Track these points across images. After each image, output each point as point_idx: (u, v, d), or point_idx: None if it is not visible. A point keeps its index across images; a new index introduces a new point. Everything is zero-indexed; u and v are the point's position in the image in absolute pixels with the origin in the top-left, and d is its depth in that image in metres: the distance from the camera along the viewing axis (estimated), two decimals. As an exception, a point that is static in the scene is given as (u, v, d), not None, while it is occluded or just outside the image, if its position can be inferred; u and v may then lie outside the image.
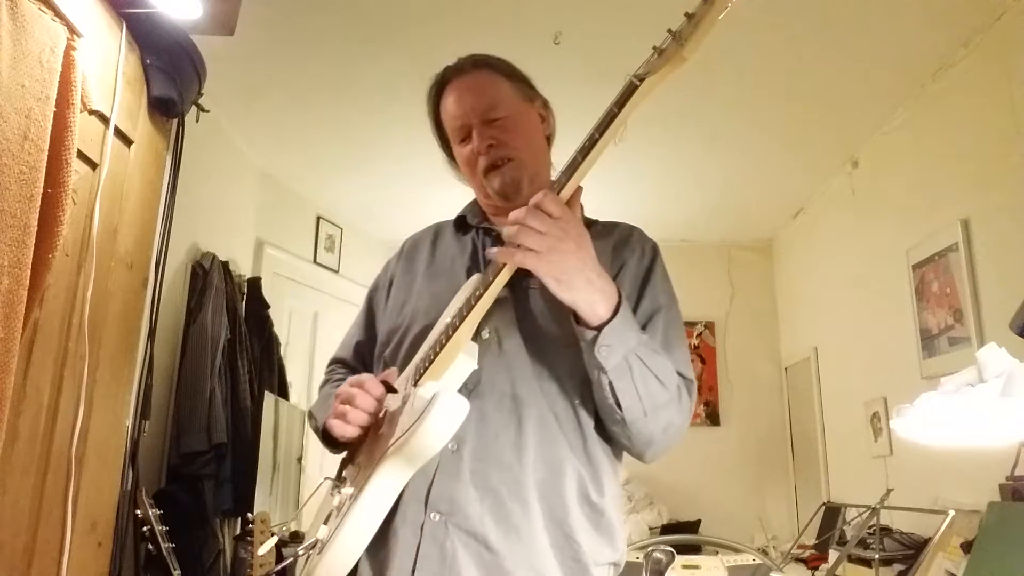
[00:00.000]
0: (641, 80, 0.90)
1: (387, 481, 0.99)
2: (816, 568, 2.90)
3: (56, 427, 1.35)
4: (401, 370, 1.12)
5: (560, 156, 1.22)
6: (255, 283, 3.19)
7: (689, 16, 0.86)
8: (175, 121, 1.85)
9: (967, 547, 1.84)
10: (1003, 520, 1.49)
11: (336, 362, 1.37)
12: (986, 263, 2.28)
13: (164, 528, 1.88)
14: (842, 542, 2.61)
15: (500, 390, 1.07)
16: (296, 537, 2.73)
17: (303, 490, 3.30)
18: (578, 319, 0.98)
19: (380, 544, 1.03)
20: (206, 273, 2.74)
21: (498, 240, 1.16)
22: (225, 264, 2.89)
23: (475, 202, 1.31)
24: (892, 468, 2.82)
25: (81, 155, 1.37)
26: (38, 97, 1.20)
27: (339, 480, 1.12)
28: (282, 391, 3.18)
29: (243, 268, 3.27)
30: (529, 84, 1.26)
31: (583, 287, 0.95)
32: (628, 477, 3.89)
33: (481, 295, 1.00)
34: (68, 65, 1.28)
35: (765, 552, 3.07)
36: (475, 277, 1.08)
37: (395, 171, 3.53)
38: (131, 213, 1.58)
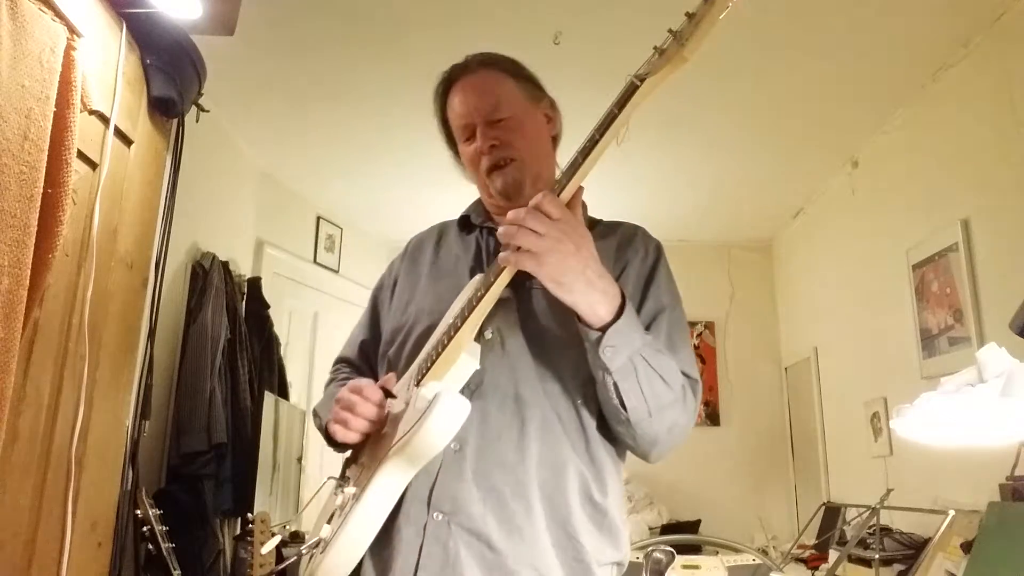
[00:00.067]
0: (642, 80, 0.90)
1: (390, 481, 0.99)
2: (816, 568, 2.90)
3: (56, 427, 1.35)
4: (405, 369, 1.13)
5: (561, 157, 1.22)
6: (255, 283, 3.19)
7: (690, 16, 0.86)
8: (175, 121, 1.85)
9: (967, 547, 1.84)
10: (1003, 520, 1.49)
11: (341, 361, 1.38)
12: (986, 263, 2.28)
13: (164, 528, 1.88)
14: (842, 542, 2.61)
15: (503, 390, 1.07)
16: (296, 537, 2.73)
17: (303, 490, 3.30)
18: (581, 320, 0.98)
19: (384, 544, 1.03)
20: (206, 273, 2.74)
21: None
22: (225, 264, 2.89)
23: (479, 202, 1.31)
24: (892, 468, 2.82)
25: (81, 155, 1.37)
26: (38, 97, 1.20)
27: (342, 479, 1.12)
28: (282, 391, 3.18)
29: (243, 268, 3.27)
30: (536, 84, 1.26)
31: (583, 289, 0.94)
32: (628, 477, 3.90)
33: (483, 296, 1.00)
34: (68, 65, 1.28)
35: (765, 552, 3.07)
36: (477, 277, 1.08)
37: (395, 171, 3.54)
38: (131, 213, 1.58)
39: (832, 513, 2.98)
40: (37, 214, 1.18)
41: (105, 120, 1.46)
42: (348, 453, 1.17)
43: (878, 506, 2.19)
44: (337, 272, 4.10)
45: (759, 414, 4.28)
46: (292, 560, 1.06)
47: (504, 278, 0.99)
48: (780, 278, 4.41)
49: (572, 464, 1.06)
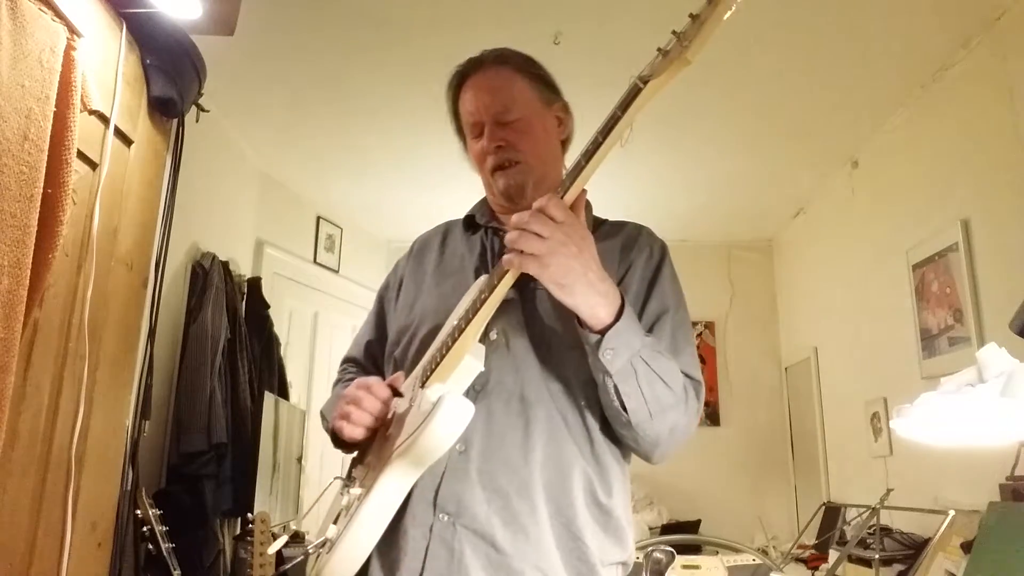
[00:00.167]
0: (645, 82, 0.89)
1: (394, 482, 0.99)
2: (816, 568, 2.90)
3: (56, 427, 1.35)
4: (411, 370, 1.13)
5: (569, 159, 1.22)
6: (255, 283, 3.19)
7: (694, 17, 0.86)
8: (175, 121, 1.85)
9: (967, 547, 1.84)
10: (1003, 520, 1.49)
11: (348, 361, 1.38)
12: (986, 263, 2.28)
13: (164, 528, 1.88)
14: (842, 542, 2.61)
15: (508, 391, 1.07)
16: (296, 538, 2.73)
17: (303, 490, 3.30)
18: (581, 323, 0.98)
19: (391, 544, 1.04)
20: (206, 273, 2.74)
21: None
22: (225, 264, 2.89)
23: (484, 201, 1.31)
24: (892, 468, 2.82)
25: (81, 155, 1.37)
26: (38, 97, 1.20)
27: (348, 480, 1.12)
28: (282, 391, 3.18)
29: (243, 268, 3.27)
30: (551, 85, 1.26)
31: (584, 291, 0.95)
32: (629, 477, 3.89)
33: (486, 298, 1.00)
34: (68, 65, 1.28)
35: (765, 552, 3.07)
36: (481, 279, 1.08)
37: (395, 171, 3.54)
38: (131, 213, 1.58)
39: (832, 513, 2.98)
40: (37, 214, 1.18)
41: (105, 120, 1.46)
42: (354, 454, 1.17)
43: (878, 506, 2.19)
44: (337, 272, 4.10)
45: (759, 414, 4.28)
46: (299, 560, 1.07)
47: (508, 281, 0.99)
48: (780, 278, 4.41)
49: (577, 465, 1.06)
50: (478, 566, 1.00)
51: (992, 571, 1.40)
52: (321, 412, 1.30)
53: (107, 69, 1.47)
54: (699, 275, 4.29)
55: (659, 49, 0.89)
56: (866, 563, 2.25)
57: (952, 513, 1.91)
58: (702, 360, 4.26)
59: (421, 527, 1.03)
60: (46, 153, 1.21)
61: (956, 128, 2.45)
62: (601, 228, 1.24)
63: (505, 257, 0.97)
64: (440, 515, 1.02)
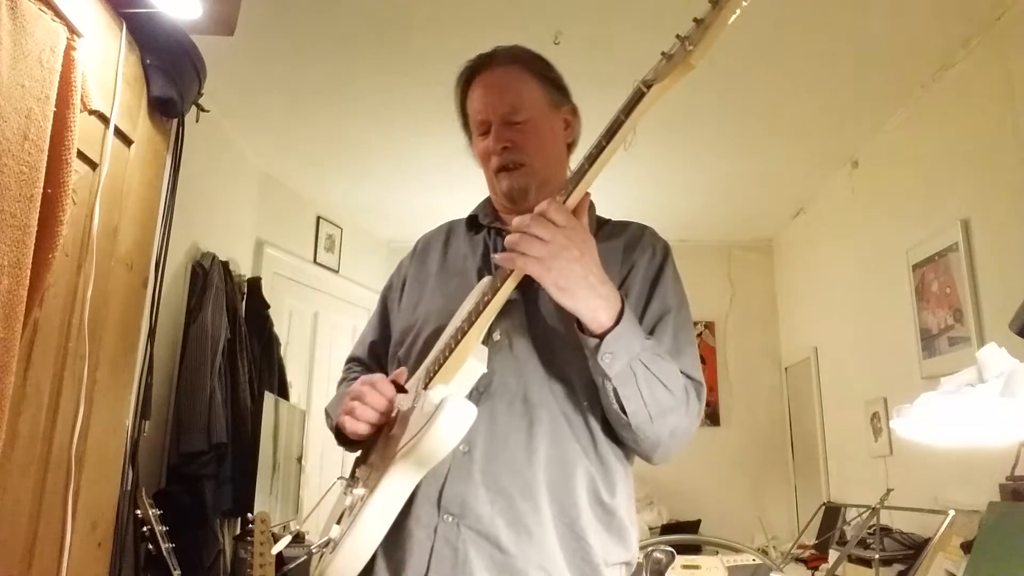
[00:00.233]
0: (648, 87, 0.89)
1: (397, 483, 1.00)
2: (816, 568, 2.90)
3: (56, 427, 1.35)
4: (414, 370, 1.13)
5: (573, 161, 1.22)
6: (255, 283, 3.19)
7: (698, 21, 0.85)
8: (175, 121, 1.85)
9: (967, 547, 1.84)
10: (1003, 520, 1.49)
11: (352, 360, 1.38)
12: (986, 263, 2.28)
13: (164, 528, 1.88)
14: (842, 542, 2.61)
15: (511, 392, 1.07)
16: (298, 538, 2.73)
17: (303, 490, 3.30)
18: (581, 326, 0.98)
19: (396, 545, 1.04)
20: (206, 273, 2.74)
21: None
22: (225, 264, 2.89)
23: (487, 201, 1.31)
24: (892, 468, 2.82)
25: (81, 155, 1.37)
26: (38, 97, 1.20)
27: (351, 480, 1.13)
28: (282, 391, 3.18)
29: (243, 268, 3.27)
30: (561, 88, 1.25)
31: (585, 295, 0.95)
32: (628, 477, 3.89)
33: (490, 300, 1.00)
34: (68, 65, 1.28)
35: (765, 552, 3.07)
36: (485, 280, 1.08)
37: (395, 171, 3.54)
38: (131, 213, 1.58)
39: (832, 513, 2.98)
40: (37, 214, 1.18)
41: (105, 120, 1.46)
42: (358, 453, 1.17)
43: (878, 506, 2.19)
44: (337, 272, 4.11)
45: (759, 414, 4.28)
46: (302, 559, 1.07)
47: (511, 283, 0.99)
48: (780, 278, 4.41)
49: (580, 465, 1.06)
50: (482, 567, 1.00)
51: (992, 571, 1.40)
52: (326, 410, 1.30)
53: (107, 69, 1.47)
54: (699, 275, 4.29)
55: (663, 53, 0.88)
56: (866, 563, 2.25)
57: (952, 513, 1.91)
58: (702, 360, 4.26)
59: (426, 528, 1.03)
60: (46, 153, 1.21)
61: (956, 128, 2.45)
62: (604, 228, 1.24)
63: (500, 255, 0.97)
64: (444, 516, 1.03)
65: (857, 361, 3.21)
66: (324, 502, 1.21)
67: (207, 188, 2.89)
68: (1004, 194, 2.19)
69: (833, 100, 2.77)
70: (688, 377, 1.07)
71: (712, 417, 4.26)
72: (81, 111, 1.33)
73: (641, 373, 0.98)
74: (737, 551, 2.72)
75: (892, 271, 2.81)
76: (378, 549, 1.03)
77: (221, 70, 2.07)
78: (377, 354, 1.33)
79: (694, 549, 3.19)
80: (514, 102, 1.18)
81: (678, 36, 0.87)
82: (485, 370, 1.03)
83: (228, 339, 2.71)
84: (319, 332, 3.94)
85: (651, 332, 1.09)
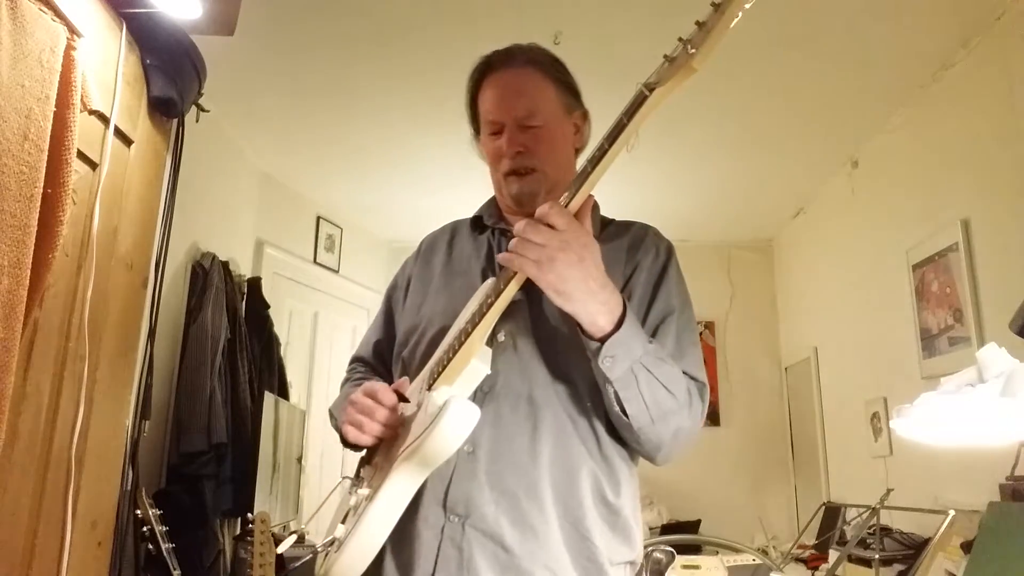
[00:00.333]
0: (651, 90, 0.89)
1: (402, 484, 1.00)
2: (816, 568, 2.90)
3: (56, 427, 1.35)
4: (418, 370, 1.13)
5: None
6: (255, 283, 3.19)
7: (700, 25, 0.85)
8: (175, 121, 1.84)
9: (967, 547, 1.84)
10: (1003, 520, 1.49)
11: (356, 360, 1.38)
12: (986, 263, 2.28)
13: (164, 528, 1.87)
14: (842, 542, 2.61)
15: (516, 392, 1.07)
16: (298, 539, 2.72)
17: (303, 490, 3.30)
18: (582, 329, 0.98)
19: (404, 546, 1.05)
20: (206, 273, 2.74)
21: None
22: (225, 264, 2.89)
23: (492, 201, 1.31)
24: (892, 468, 2.82)
25: (81, 155, 1.37)
26: (38, 97, 1.20)
27: (356, 480, 1.13)
28: (282, 391, 3.18)
29: (243, 268, 3.27)
30: (575, 91, 1.25)
31: (583, 299, 0.95)
32: (629, 477, 3.89)
33: (493, 302, 1.00)
34: (68, 65, 1.28)
35: (765, 552, 3.07)
36: (489, 282, 1.08)
37: (395, 171, 3.54)
38: (131, 213, 1.58)
39: (832, 513, 2.98)
40: (37, 214, 1.18)
41: (105, 120, 1.46)
42: (363, 453, 1.18)
43: (878, 506, 2.19)
44: (337, 272, 4.10)
45: (759, 414, 4.28)
46: (307, 559, 1.07)
47: (515, 284, 0.99)
48: (780, 278, 4.41)
49: (585, 465, 1.06)
50: (486, 566, 1.00)
51: (992, 571, 1.40)
52: (330, 410, 1.31)
53: (107, 69, 1.47)
54: (699, 275, 4.27)
55: (665, 56, 0.88)
56: (866, 563, 2.25)
57: (952, 513, 1.91)
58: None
59: (433, 528, 1.03)
60: (46, 153, 1.21)
61: (956, 128, 2.45)
62: (608, 228, 1.24)
63: (502, 255, 0.97)
64: (451, 516, 1.03)
65: (857, 361, 3.21)
66: (327, 502, 1.22)
67: (207, 188, 2.89)
68: (1004, 194, 2.19)
69: (833, 100, 2.77)
70: (691, 378, 1.07)
71: (712, 417, 4.26)
72: (81, 111, 1.33)
73: (643, 376, 0.98)
74: (737, 551, 2.72)
75: (892, 271, 2.81)
76: (386, 549, 1.04)
77: (221, 70, 2.07)
78: (381, 354, 1.33)
79: (694, 549, 3.19)
80: (530, 106, 1.17)
81: (680, 39, 0.87)
82: (489, 371, 1.03)
83: (228, 339, 2.71)
84: (319, 332, 3.94)
85: (654, 333, 1.09)
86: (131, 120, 1.57)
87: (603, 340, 0.96)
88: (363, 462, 1.17)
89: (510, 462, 1.05)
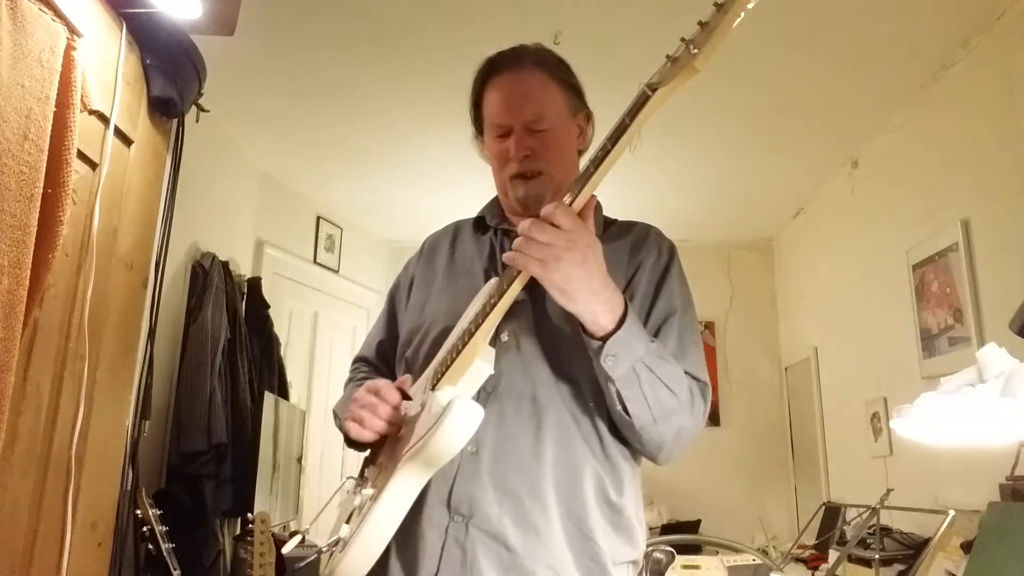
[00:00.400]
0: (654, 90, 0.89)
1: (406, 484, 1.00)
2: (816, 568, 2.90)
3: (56, 427, 1.35)
4: (422, 370, 1.14)
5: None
6: (255, 283, 3.20)
7: (703, 24, 0.85)
8: (175, 121, 1.85)
9: (967, 547, 1.84)
10: (1003, 520, 1.49)
11: (359, 360, 1.38)
12: (986, 263, 2.27)
13: (164, 528, 1.88)
14: (842, 542, 2.61)
15: (519, 392, 1.08)
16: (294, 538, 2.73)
17: (303, 490, 3.30)
18: (584, 329, 0.98)
19: (409, 546, 1.05)
20: (206, 273, 2.74)
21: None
22: (225, 264, 2.89)
23: (495, 202, 1.31)
24: (892, 468, 2.82)
25: (81, 155, 1.37)
26: (38, 97, 1.20)
27: (360, 480, 1.13)
28: (282, 391, 3.18)
29: (243, 268, 3.27)
30: (579, 93, 1.25)
31: (586, 298, 0.95)
32: (629, 477, 3.89)
33: (497, 302, 1.01)
34: (68, 65, 1.28)
35: (765, 552, 3.07)
36: (492, 282, 1.08)
37: (395, 171, 3.54)
38: (131, 213, 1.58)
39: (832, 513, 2.98)
40: (37, 214, 1.18)
41: (105, 120, 1.46)
42: (367, 452, 1.18)
43: (878, 506, 2.19)
44: (337, 272, 4.10)
45: (759, 414, 4.28)
46: (312, 559, 1.08)
47: (518, 284, 1.00)
48: (780, 278, 4.41)
49: (588, 465, 1.07)
50: (490, 566, 1.01)
51: (992, 571, 1.40)
52: (333, 410, 1.31)
53: (107, 69, 1.47)
54: (699, 275, 4.25)
55: (668, 56, 0.88)
56: (866, 563, 2.25)
57: (952, 513, 1.91)
58: (702, 360, 4.26)
59: (437, 528, 1.04)
60: (46, 153, 1.21)
61: (956, 128, 2.45)
62: (610, 228, 1.24)
63: (507, 254, 0.97)
64: (455, 516, 1.04)
65: (857, 361, 3.21)
66: (330, 502, 1.22)
67: (207, 188, 2.89)
68: (1004, 194, 2.19)
69: (833, 100, 2.77)
70: (693, 378, 1.07)
71: (712, 417, 4.26)
72: (81, 111, 1.33)
73: (644, 375, 0.98)
74: (737, 551, 2.72)
75: (892, 271, 2.81)
76: (391, 549, 1.04)
77: (221, 70, 2.06)
78: (384, 353, 1.34)
79: (694, 549, 3.19)
80: (538, 110, 1.17)
81: (683, 39, 0.87)
82: (492, 371, 1.04)
83: (228, 339, 2.71)
84: (319, 332, 3.94)
85: (656, 333, 1.09)
86: (131, 120, 1.57)
87: (605, 339, 0.96)
88: (367, 462, 1.17)
89: (513, 462, 1.05)
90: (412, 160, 3.37)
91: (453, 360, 1.03)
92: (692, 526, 3.82)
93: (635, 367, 0.98)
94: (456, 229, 1.34)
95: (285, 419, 3.06)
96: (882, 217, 2.97)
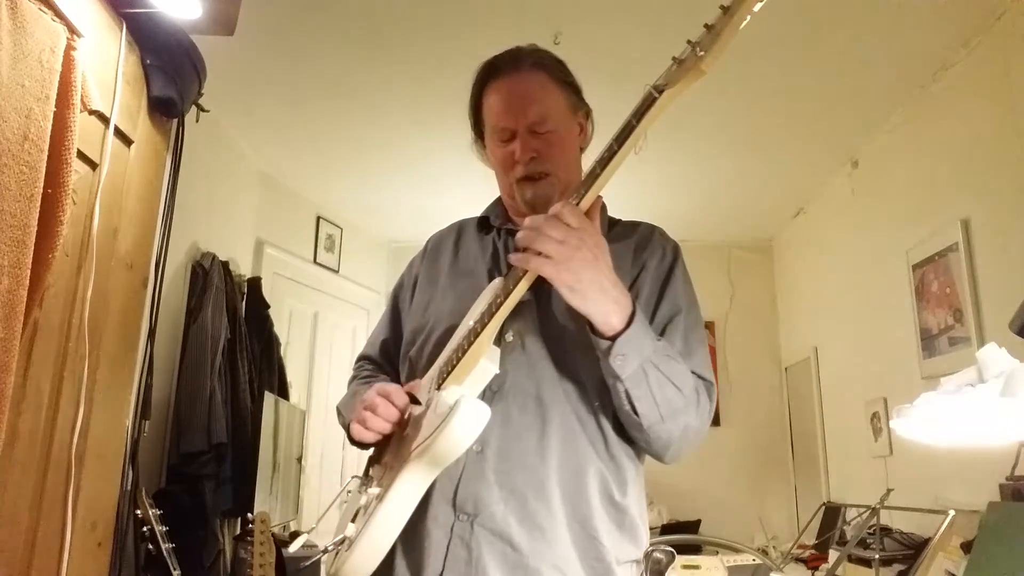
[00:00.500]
0: (660, 92, 0.89)
1: (412, 483, 1.01)
2: (816, 568, 2.90)
3: (56, 427, 1.35)
4: (426, 369, 1.14)
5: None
6: (255, 283, 3.20)
7: (709, 27, 0.85)
8: (175, 121, 1.85)
9: (967, 547, 1.84)
10: (1003, 520, 1.49)
11: (363, 359, 1.38)
12: (986, 263, 2.27)
13: (164, 528, 1.87)
14: (842, 542, 2.61)
15: (524, 392, 1.08)
16: (296, 538, 2.73)
17: (303, 490, 3.30)
18: (593, 328, 0.98)
19: (415, 545, 1.05)
20: (206, 273, 2.74)
21: None
22: (225, 264, 2.89)
23: (498, 202, 1.31)
24: (892, 468, 2.82)
25: (81, 155, 1.37)
26: (38, 97, 1.20)
27: (366, 479, 1.13)
28: (282, 391, 3.18)
29: (243, 268, 3.27)
30: (577, 91, 1.25)
31: (597, 297, 0.95)
32: (628, 477, 3.89)
33: (503, 302, 1.01)
34: (68, 65, 1.28)
35: (765, 552, 3.07)
36: (497, 281, 1.08)
37: (395, 171, 3.54)
38: (131, 213, 1.58)
39: (832, 513, 2.98)
40: (37, 214, 1.18)
41: (105, 120, 1.46)
42: (371, 452, 1.18)
43: (878, 506, 2.19)
44: (337, 272, 4.11)
45: (759, 414, 4.28)
46: (318, 557, 1.08)
47: (524, 284, 1.00)
48: (780, 278, 4.41)
49: (592, 465, 1.07)
50: (494, 565, 1.01)
51: (992, 571, 1.40)
52: (337, 407, 1.31)
53: (107, 69, 1.47)
54: (699, 275, 4.21)
55: (674, 58, 0.88)
56: (866, 563, 2.25)
57: (952, 513, 1.91)
58: (702, 360, 4.26)
59: (443, 527, 1.04)
60: (46, 153, 1.21)
61: (956, 128, 2.45)
62: (615, 229, 1.24)
63: (515, 255, 0.97)
64: (460, 515, 1.04)
65: (857, 361, 3.21)
66: (335, 501, 1.22)
67: (207, 188, 2.89)
68: (1004, 194, 2.19)
69: (833, 100, 2.77)
70: (699, 377, 1.08)
71: (712, 417, 4.26)
72: (81, 111, 1.33)
73: (652, 374, 0.99)
74: (737, 551, 2.72)
75: (892, 271, 2.81)
76: (397, 548, 1.04)
77: (221, 70, 2.07)
78: (388, 352, 1.34)
79: (694, 549, 3.19)
80: (541, 112, 1.17)
81: (689, 42, 0.86)
82: (497, 371, 1.04)
83: (228, 339, 2.71)
84: (319, 332, 3.94)
85: (662, 333, 1.09)
86: (131, 120, 1.57)
87: (614, 338, 0.96)
88: (372, 461, 1.17)
89: (519, 462, 1.05)
90: (412, 160, 3.37)
91: (459, 359, 1.04)
92: (692, 526, 3.82)
93: (643, 366, 0.98)
94: (460, 228, 1.34)
95: (285, 419, 3.06)
96: (882, 217, 2.97)
